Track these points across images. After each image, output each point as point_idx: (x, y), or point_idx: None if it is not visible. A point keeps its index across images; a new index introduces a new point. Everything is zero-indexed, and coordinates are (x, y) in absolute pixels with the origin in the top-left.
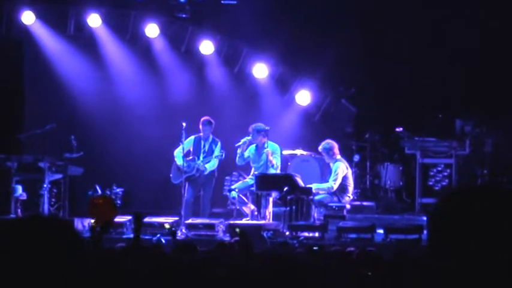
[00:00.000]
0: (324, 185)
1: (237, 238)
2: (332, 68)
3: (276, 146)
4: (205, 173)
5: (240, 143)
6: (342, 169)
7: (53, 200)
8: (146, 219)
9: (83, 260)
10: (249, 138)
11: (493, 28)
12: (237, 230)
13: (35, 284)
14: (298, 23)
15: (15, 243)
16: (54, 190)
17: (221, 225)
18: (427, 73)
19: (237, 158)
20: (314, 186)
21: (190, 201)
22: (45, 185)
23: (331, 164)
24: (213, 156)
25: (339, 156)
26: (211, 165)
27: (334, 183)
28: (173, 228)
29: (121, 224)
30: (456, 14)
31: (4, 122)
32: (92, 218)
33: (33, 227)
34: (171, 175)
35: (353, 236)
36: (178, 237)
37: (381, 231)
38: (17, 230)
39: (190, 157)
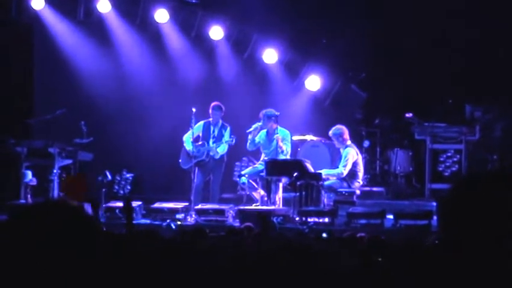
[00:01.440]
0: (334, 171)
1: (248, 224)
2: (342, 53)
3: (286, 132)
4: (217, 157)
5: (251, 129)
6: (352, 155)
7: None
8: (156, 205)
9: (94, 244)
10: (260, 123)
11: (505, 11)
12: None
13: (47, 268)
14: (308, 8)
15: (26, 228)
16: (64, 175)
17: (231, 211)
18: (437, 58)
19: (247, 144)
20: (324, 172)
21: (200, 187)
22: (55, 171)
23: (341, 150)
24: (223, 141)
25: (349, 142)
26: (221, 149)
27: (344, 169)
28: (180, 222)
29: None
30: None
31: (14, 107)
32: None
33: (44, 212)
34: (180, 160)
35: (363, 221)
36: (188, 223)
37: (390, 216)
38: (28, 215)
39: (200, 142)
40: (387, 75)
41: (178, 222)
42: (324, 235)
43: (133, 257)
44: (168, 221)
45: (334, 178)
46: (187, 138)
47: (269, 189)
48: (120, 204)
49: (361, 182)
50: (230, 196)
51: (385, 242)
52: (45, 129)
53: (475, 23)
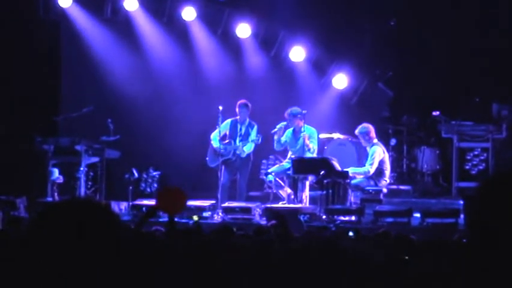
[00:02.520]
0: (361, 169)
1: (273, 221)
2: (369, 52)
3: (313, 130)
4: (243, 156)
5: (276, 130)
6: (378, 153)
7: (90, 183)
8: None
9: (120, 242)
10: (284, 123)
11: None
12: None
13: (74, 266)
14: (335, 6)
15: (53, 226)
16: (91, 173)
17: (258, 209)
18: (464, 56)
19: (274, 144)
20: (351, 170)
21: (226, 185)
22: (81, 168)
23: (367, 148)
24: (249, 139)
25: (375, 140)
26: (248, 148)
27: (371, 167)
28: (199, 220)
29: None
30: None
31: (41, 105)
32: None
33: (71, 210)
34: (207, 158)
35: (390, 219)
36: (215, 221)
37: (417, 215)
38: (55, 213)
39: (227, 140)
40: (414, 73)
41: (195, 218)
42: (351, 234)
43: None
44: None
45: (361, 176)
46: (214, 136)
47: (296, 187)
48: (146, 202)
49: (388, 180)
50: (257, 194)
51: (412, 241)
52: (71, 126)
53: (501, 22)
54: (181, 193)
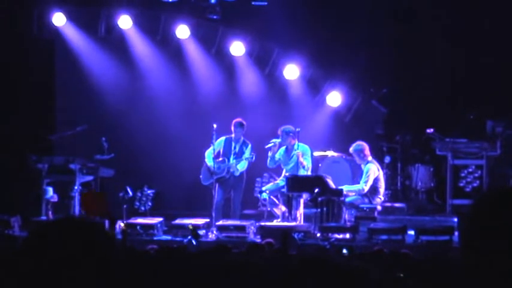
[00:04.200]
0: (355, 187)
1: (269, 240)
2: (363, 69)
3: (306, 148)
4: (236, 174)
5: (270, 145)
6: (373, 171)
7: None
8: (177, 221)
9: (114, 261)
10: (278, 140)
11: None
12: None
13: (67, 286)
14: (329, 24)
15: (47, 245)
16: (84, 191)
17: (252, 227)
18: (458, 74)
19: (268, 161)
20: (345, 188)
21: (220, 203)
22: (76, 187)
23: (362, 166)
24: (243, 157)
25: (370, 158)
26: (241, 166)
27: (365, 185)
28: (197, 230)
29: (152, 226)
30: (490, 15)
31: (35, 123)
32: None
33: (65, 229)
34: (201, 176)
35: (384, 237)
36: (209, 239)
37: (412, 232)
38: (49, 232)
39: (221, 158)
40: (408, 90)
41: (190, 227)
42: (344, 251)
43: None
44: (189, 237)
45: (355, 194)
46: (208, 154)
47: (290, 205)
48: (141, 220)
49: (383, 198)
50: (251, 212)
51: (407, 255)
52: (66, 145)
53: (496, 41)
54: (102, 196)
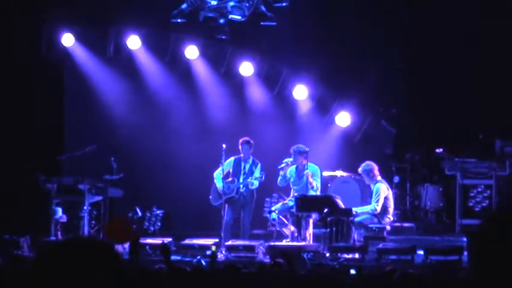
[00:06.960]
0: (367, 208)
1: (278, 260)
2: (372, 89)
3: (316, 168)
4: (253, 187)
5: (283, 165)
6: (383, 190)
7: (93, 222)
8: (186, 241)
9: (123, 281)
10: (290, 159)
11: None
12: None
13: None
14: (338, 44)
15: (56, 265)
16: (94, 212)
17: (261, 247)
18: (467, 94)
19: (278, 180)
20: (358, 210)
21: (230, 223)
22: (85, 207)
23: (371, 186)
24: (253, 177)
25: (379, 178)
26: (256, 183)
27: (377, 205)
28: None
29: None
30: (501, 33)
31: (44, 144)
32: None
33: (74, 249)
34: (210, 197)
35: (393, 257)
36: (218, 259)
37: (421, 252)
38: (58, 252)
39: (230, 179)
40: (417, 110)
41: (213, 248)
42: (352, 271)
43: None
44: (198, 257)
45: (367, 215)
46: (217, 175)
47: (299, 225)
48: (150, 240)
49: (392, 218)
50: (260, 232)
51: (414, 276)
52: (75, 165)
53: (504, 58)
54: (127, 222)
